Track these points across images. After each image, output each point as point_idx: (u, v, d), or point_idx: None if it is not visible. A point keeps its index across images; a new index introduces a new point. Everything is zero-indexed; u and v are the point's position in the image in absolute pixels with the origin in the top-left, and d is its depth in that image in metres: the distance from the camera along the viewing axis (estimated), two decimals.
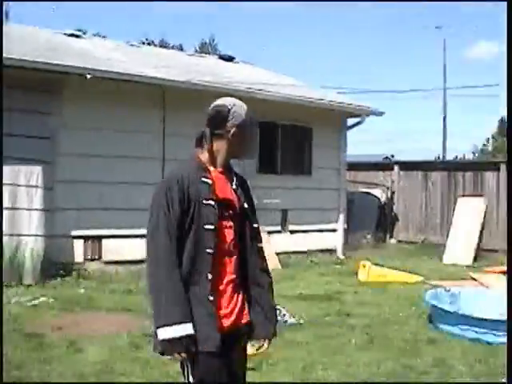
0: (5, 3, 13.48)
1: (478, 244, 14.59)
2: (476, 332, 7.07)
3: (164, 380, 5.37)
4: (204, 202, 2.96)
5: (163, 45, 40.62)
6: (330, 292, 10.04)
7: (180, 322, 2.83)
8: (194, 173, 3.01)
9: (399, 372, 5.90)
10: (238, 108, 3.10)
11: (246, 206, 3.15)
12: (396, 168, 17.12)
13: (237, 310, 3.08)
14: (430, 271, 12.29)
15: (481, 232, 14.73)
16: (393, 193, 17.04)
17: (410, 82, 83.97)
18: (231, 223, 3.08)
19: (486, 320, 7.13)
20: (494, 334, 6.97)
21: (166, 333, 2.83)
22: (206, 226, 2.95)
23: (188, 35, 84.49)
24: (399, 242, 16.55)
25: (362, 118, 14.82)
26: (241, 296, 3.12)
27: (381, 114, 15.12)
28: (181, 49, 37.72)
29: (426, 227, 16.23)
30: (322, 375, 5.78)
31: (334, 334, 7.32)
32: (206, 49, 44.59)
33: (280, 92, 13.34)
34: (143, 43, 30.84)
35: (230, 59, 17.64)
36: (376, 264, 11.85)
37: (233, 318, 3.05)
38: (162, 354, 2.94)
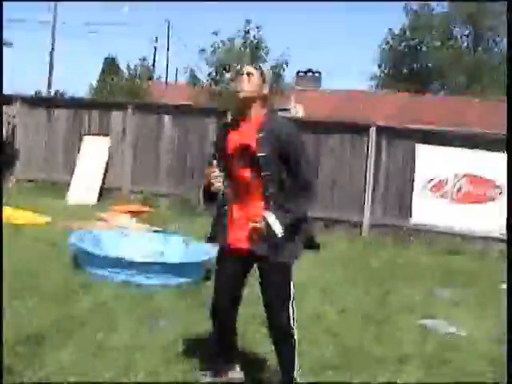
0: None
1: (103, 183, 14.69)
2: (126, 275, 7.11)
3: None
4: None
5: None
6: None
7: None
8: None
9: (59, 321, 5.66)
10: None
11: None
12: (18, 103, 16.17)
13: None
14: (57, 211, 11.93)
15: (105, 171, 14.82)
16: (14, 128, 16.11)
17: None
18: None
19: (135, 262, 7.21)
20: (144, 277, 7.10)
21: None
22: None
23: None
24: (18, 180, 15.80)
25: None
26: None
27: (10, 44, 14.24)
28: None
29: (49, 166, 15.67)
30: None
31: None
32: None
33: None
34: None
35: None
36: None
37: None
38: None
